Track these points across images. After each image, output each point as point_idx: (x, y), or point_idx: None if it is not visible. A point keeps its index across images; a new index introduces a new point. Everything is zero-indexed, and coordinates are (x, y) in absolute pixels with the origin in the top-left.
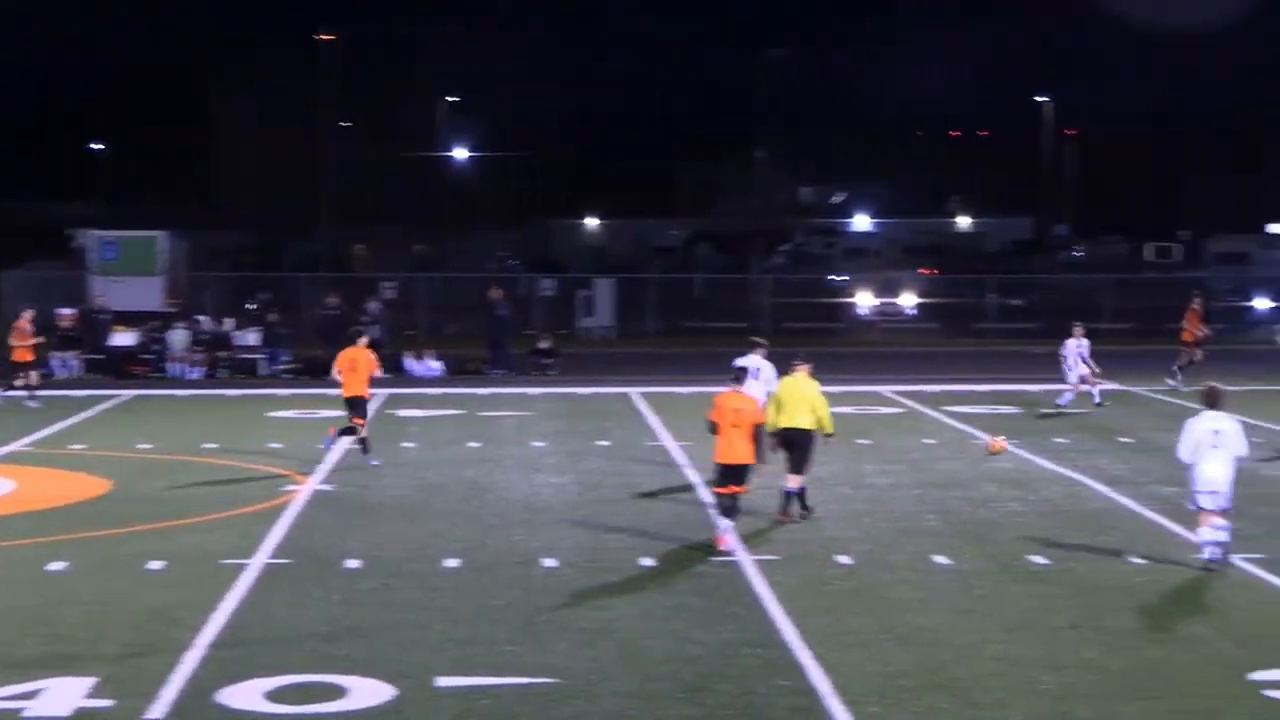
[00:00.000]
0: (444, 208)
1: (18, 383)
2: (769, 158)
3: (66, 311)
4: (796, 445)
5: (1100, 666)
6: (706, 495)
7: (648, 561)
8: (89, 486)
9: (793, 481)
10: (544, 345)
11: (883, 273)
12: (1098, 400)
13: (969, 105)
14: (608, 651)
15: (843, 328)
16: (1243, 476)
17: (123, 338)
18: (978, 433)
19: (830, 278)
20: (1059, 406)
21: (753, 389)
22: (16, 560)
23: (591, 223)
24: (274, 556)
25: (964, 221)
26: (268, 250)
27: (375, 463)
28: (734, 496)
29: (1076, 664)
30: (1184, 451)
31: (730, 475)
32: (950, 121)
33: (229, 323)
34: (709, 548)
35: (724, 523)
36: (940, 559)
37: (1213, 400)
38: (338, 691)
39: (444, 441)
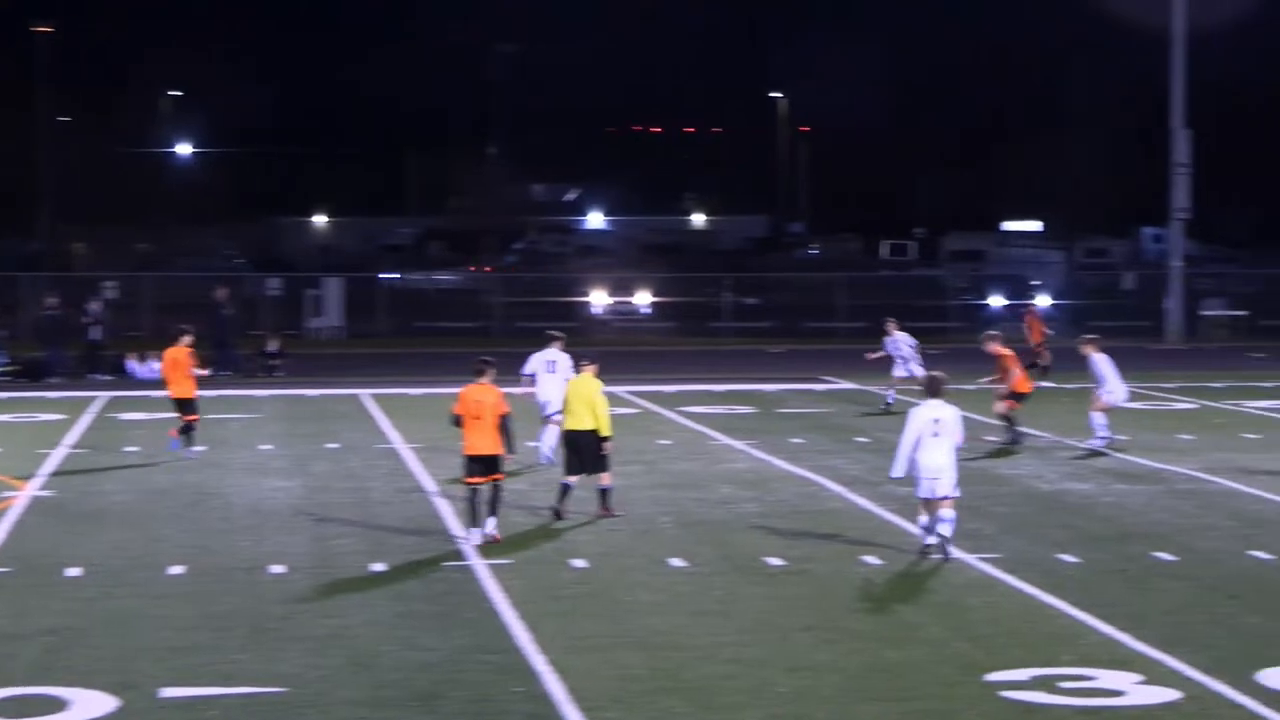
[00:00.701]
0: (168, 205)
1: None
2: (501, 154)
3: None
4: (579, 447)
5: (837, 668)
6: (439, 499)
7: (378, 566)
8: None
9: (604, 479)
10: (271, 346)
11: (617, 271)
12: (891, 401)
13: (703, 101)
14: (338, 659)
15: (577, 327)
16: (980, 475)
17: None
18: (714, 433)
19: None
20: (887, 405)
21: (550, 383)
22: None
23: (320, 220)
24: None
25: (699, 219)
26: None
27: (194, 452)
28: (495, 486)
29: (813, 666)
30: (906, 441)
31: (479, 466)
32: (684, 118)
33: None
34: (444, 553)
35: (491, 522)
36: (676, 561)
37: (934, 389)
38: (58, 704)
39: (166, 446)
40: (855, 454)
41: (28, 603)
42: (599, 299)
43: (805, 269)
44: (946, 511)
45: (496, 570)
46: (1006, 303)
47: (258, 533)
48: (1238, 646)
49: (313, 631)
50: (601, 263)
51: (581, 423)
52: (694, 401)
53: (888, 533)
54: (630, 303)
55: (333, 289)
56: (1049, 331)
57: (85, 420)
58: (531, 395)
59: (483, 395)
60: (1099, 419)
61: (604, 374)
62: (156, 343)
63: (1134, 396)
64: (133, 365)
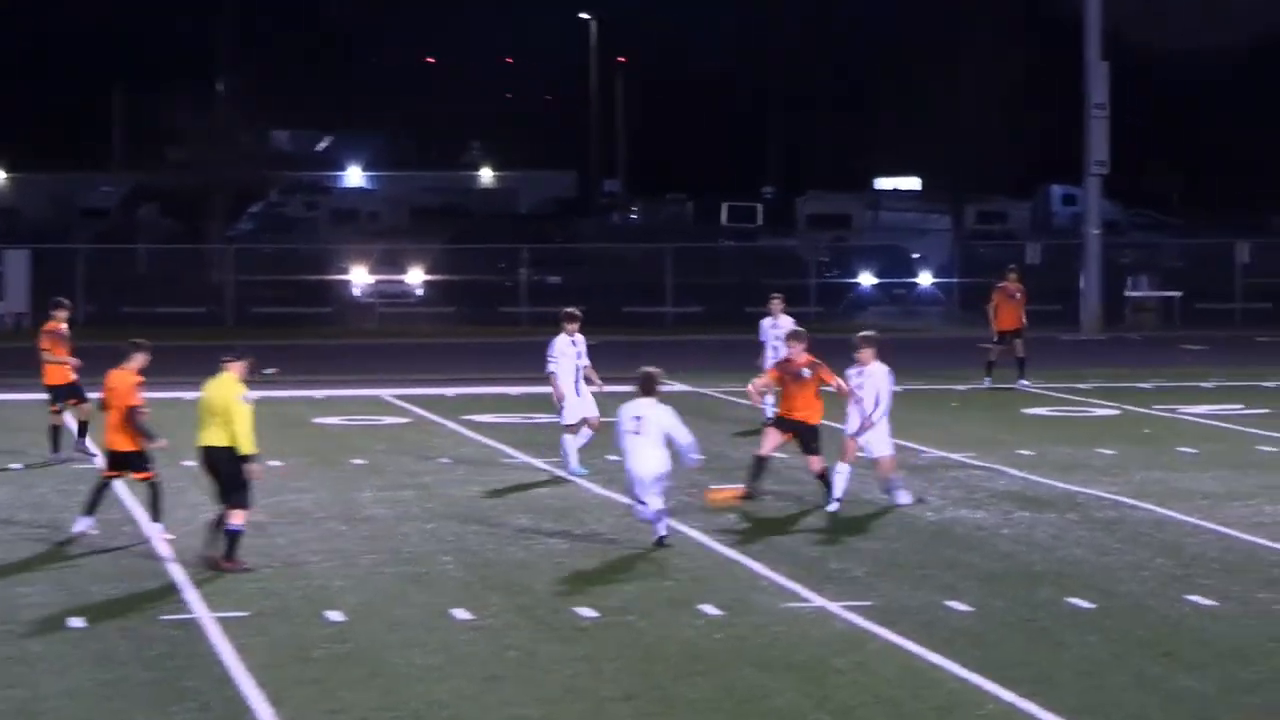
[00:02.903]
0: None
1: None
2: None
3: None
4: (215, 469)
5: None
6: (158, 535)
7: (76, 622)
8: None
9: (235, 518)
10: None
11: (383, 241)
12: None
13: (494, 24)
14: None
15: (330, 313)
16: (848, 502)
17: None
18: (508, 448)
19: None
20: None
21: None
22: None
23: None
24: None
25: (488, 175)
26: None
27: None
28: (150, 484)
29: None
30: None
31: (118, 462)
32: (472, 45)
33: None
34: (161, 604)
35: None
36: (460, 613)
37: (645, 387)
38: None
39: None
40: (690, 475)
41: None
42: (359, 277)
43: (624, 239)
44: (646, 508)
45: (229, 625)
46: (877, 281)
47: None
48: (1170, 715)
49: None
50: (363, 231)
51: (214, 438)
52: (482, 408)
53: (727, 574)
54: (400, 281)
55: (15, 264)
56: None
57: None
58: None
59: (115, 381)
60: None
61: (364, 373)
62: None
63: (1042, 400)
64: None
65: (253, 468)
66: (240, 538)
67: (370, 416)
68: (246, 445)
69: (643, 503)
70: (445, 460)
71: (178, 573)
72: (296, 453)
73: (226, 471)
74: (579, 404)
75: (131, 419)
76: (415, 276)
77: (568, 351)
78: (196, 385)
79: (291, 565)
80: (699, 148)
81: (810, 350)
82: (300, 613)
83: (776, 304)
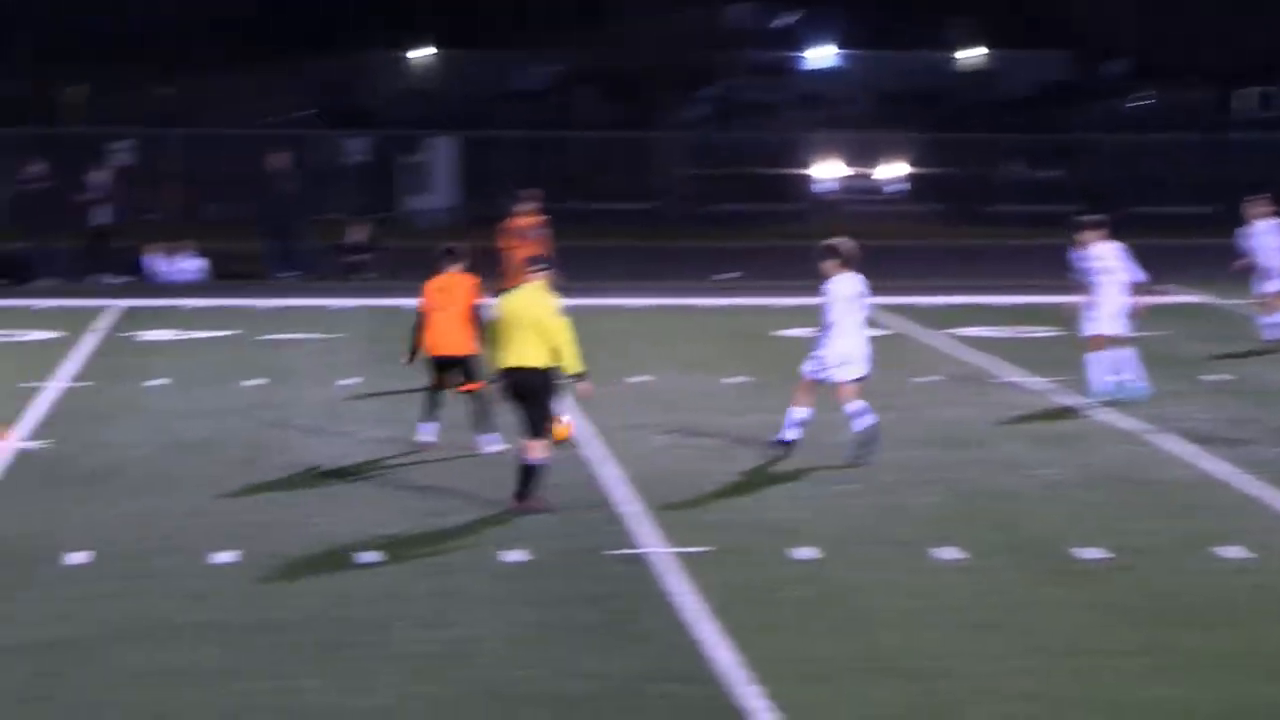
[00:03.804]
0: (201, 33)
1: None
2: None
3: None
4: (523, 394)
5: (1186, 710)
6: (603, 461)
7: (514, 556)
8: None
9: (534, 451)
10: (354, 237)
11: (852, 131)
12: None
13: None
14: (453, 688)
15: (795, 211)
16: None
17: None
18: (998, 366)
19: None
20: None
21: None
22: None
23: (419, 56)
24: None
25: (973, 55)
26: None
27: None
28: (479, 394)
29: (1148, 706)
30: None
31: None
32: None
33: None
34: (608, 537)
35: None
36: (944, 551)
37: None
38: None
39: (207, 378)
40: (1207, 399)
41: (14, 601)
42: (828, 171)
43: (1130, 129)
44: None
45: (684, 563)
46: None
47: (335, 504)
48: None
49: (415, 648)
50: (830, 119)
51: (524, 357)
52: (968, 320)
53: (1254, 514)
54: (873, 177)
55: (441, 154)
56: None
57: (89, 342)
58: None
59: (449, 283)
60: None
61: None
62: (187, 230)
63: None
64: (155, 262)
65: (584, 386)
66: (540, 474)
67: None
68: (573, 363)
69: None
70: (926, 378)
71: (626, 503)
72: (754, 369)
73: (537, 397)
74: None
75: (475, 322)
76: (889, 171)
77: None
78: (636, 292)
79: (758, 494)
80: (1218, 26)
81: None
82: (764, 549)
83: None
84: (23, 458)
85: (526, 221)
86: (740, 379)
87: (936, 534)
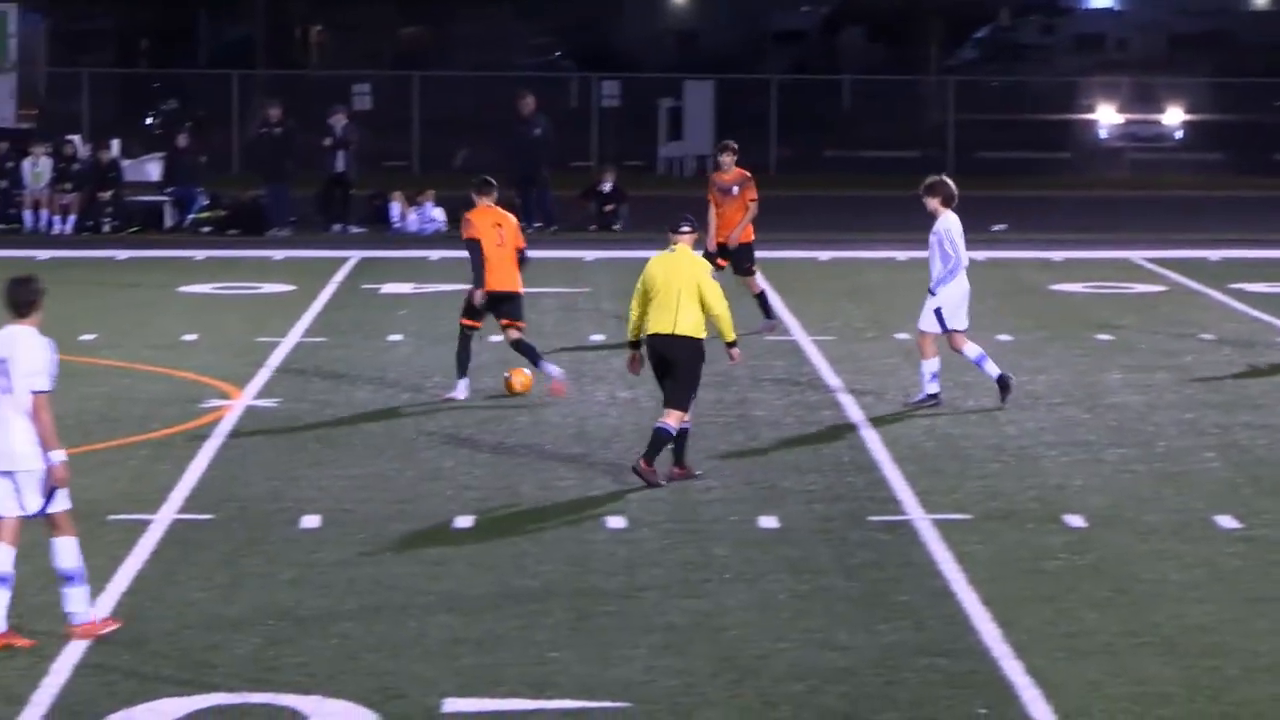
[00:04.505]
0: None
1: None
2: None
3: None
4: (674, 361)
5: None
6: (865, 426)
7: (768, 522)
8: None
9: (672, 418)
10: (605, 184)
11: (1133, 74)
12: None
13: None
14: (702, 662)
15: (1071, 159)
16: None
17: None
18: None
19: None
20: None
21: None
22: None
23: None
24: (187, 510)
25: None
26: (172, 36)
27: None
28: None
29: None
30: None
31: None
32: None
33: (115, 147)
34: (869, 502)
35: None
36: (1225, 520)
37: None
38: (290, 719)
39: (450, 333)
40: None
41: (242, 568)
42: (1106, 116)
43: None
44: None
45: (948, 530)
46: None
47: (576, 464)
48: None
49: (663, 618)
50: (1110, 61)
51: (679, 324)
52: (1255, 275)
53: None
54: (1156, 122)
55: (697, 97)
56: None
57: (326, 293)
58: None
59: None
60: None
61: (1110, 231)
62: (430, 180)
63: None
64: (399, 210)
65: (737, 353)
66: (668, 441)
67: (1118, 283)
68: (729, 331)
69: None
70: (1208, 337)
71: (886, 466)
72: (1027, 325)
73: (688, 365)
74: None
75: (522, 261)
76: (1173, 116)
77: None
78: (902, 244)
79: (1023, 460)
80: None
81: None
82: (1032, 517)
83: None
84: (253, 415)
85: (729, 175)
86: (1010, 336)
87: (1213, 502)
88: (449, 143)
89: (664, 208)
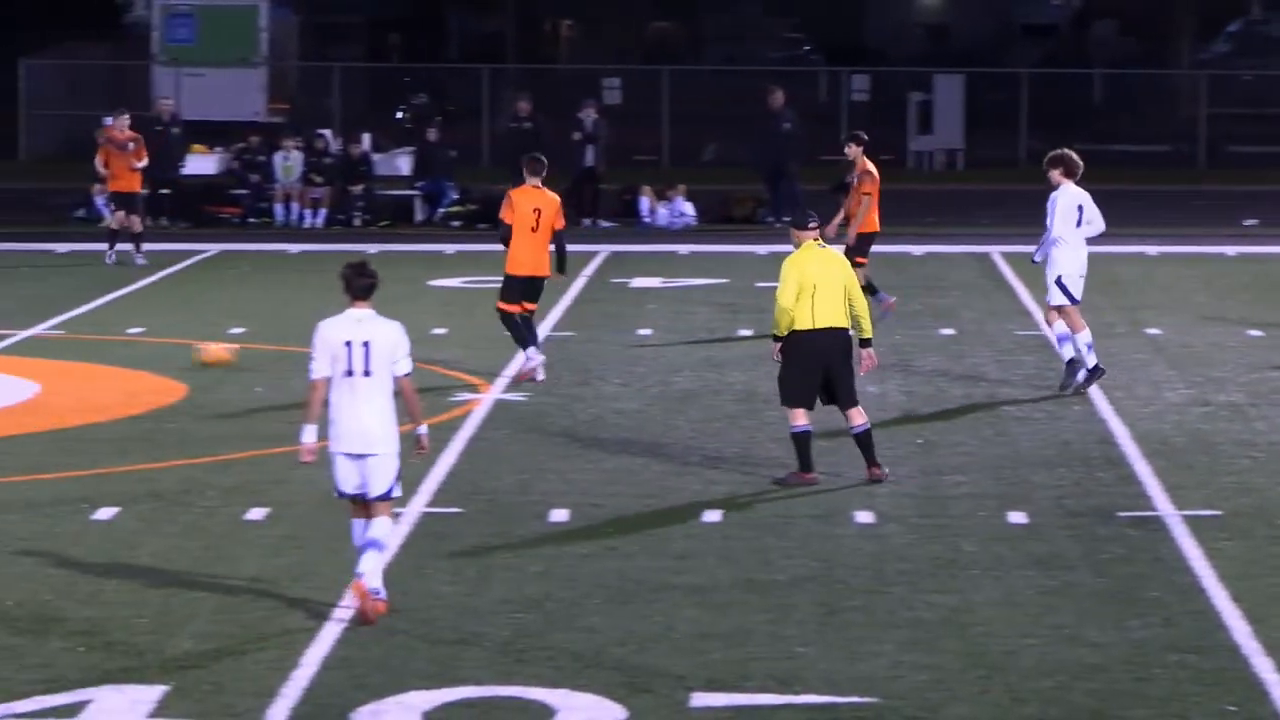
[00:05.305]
0: None
1: (114, 224)
2: None
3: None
4: (836, 358)
5: None
6: (1126, 439)
7: (1017, 518)
8: (151, 392)
9: (861, 416)
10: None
11: None
12: None
13: None
14: (949, 658)
15: None
16: None
17: (202, 163)
18: None
19: None
20: None
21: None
22: (42, 505)
23: None
24: (435, 504)
25: None
26: (423, 29)
27: None
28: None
29: None
30: None
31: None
32: None
33: (366, 141)
34: (1118, 500)
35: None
36: None
37: None
38: (538, 712)
39: (698, 327)
40: None
41: (489, 562)
42: None
43: None
44: None
45: (1198, 526)
46: None
47: (829, 457)
48: None
49: (910, 613)
50: None
51: (841, 318)
52: None
53: None
54: None
55: (947, 91)
56: None
57: (574, 288)
58: None
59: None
60: None
61: None
62: (679, 174)
63: None
64: (647, 205)
65: (871, 353)
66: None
67: None
68: (868, 328)
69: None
70: None
71: (1136, 461)
72: (1279, 320)
73: (847, 361)
74: None
75: (560, 242)
76: None
77: None
78: (1153, 239)
79: (1274, 455)
80: None
81: None
82: None
83: None
84: (503, 409)
85: (863, 166)
86: (1262, 333)
87: None
88: (698, 137)
89: (913, 202)
